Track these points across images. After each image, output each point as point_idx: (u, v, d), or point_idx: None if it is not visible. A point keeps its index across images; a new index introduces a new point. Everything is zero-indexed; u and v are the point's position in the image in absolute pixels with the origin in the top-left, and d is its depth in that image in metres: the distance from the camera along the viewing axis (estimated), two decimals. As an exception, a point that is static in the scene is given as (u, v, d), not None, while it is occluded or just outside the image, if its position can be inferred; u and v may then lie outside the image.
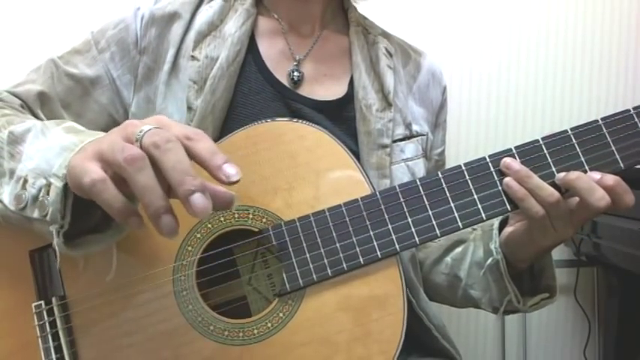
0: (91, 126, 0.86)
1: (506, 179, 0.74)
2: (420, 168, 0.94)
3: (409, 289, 0.90)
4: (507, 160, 0.74)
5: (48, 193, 0.61)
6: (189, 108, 0.85)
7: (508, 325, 1.55)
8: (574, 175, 0.72)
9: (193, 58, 0.86)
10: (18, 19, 1.37)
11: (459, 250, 0.93)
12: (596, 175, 0.72)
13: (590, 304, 1.55)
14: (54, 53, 0.89)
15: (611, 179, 0.71)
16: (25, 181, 0.64)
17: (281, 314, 0.73)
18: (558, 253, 1.50)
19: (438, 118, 1.03)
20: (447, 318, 1.46)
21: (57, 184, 0.60)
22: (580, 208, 0.73)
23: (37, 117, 0.83)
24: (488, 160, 0.75)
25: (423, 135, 0.97)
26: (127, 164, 0.52)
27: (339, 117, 0.91)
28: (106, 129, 0.87)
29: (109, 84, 0.88)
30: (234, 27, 0.88)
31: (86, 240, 0.63)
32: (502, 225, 0.85)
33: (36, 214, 0.62)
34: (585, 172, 0.73)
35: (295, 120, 0.79)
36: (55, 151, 0.63)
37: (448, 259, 0.95)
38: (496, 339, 1.55)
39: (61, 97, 0.86)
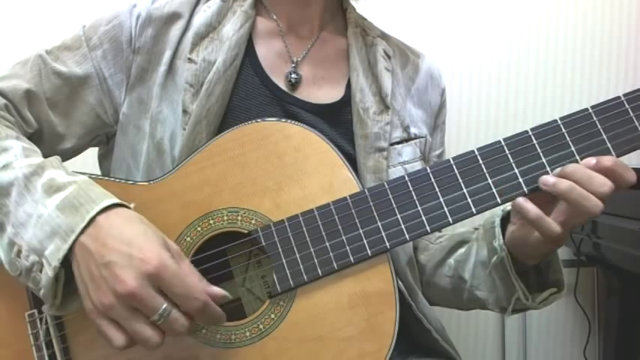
0: (79, 127, 0.86)
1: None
2: None
3: (408, 293, 0.89)
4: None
5: (40, 271, 0.65)
6: (185, 111, 0.84)
7: (508, 325, 1.53)
8: (570, 168, 0.71)
9: (190, 60, 0.86)
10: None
11: (462, 250, 0.92)
12: (592, 160, 0.71)
13: (590, 304, 1.54)
14: (43, 47, 0.87)
15: (608, 160, 0.70)
16: (19, 251, 0.67)
17: (272, 315, 0.73)
18: (558, 253, 1.49)
19: (436, 120, 1.03)
20: (447, 318, 1.45)
21: (49, 272, 0.64)
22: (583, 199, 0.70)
23: (23, 117, 0.82)
24: (476, 153, 0.75)
25: (422, 137, 0.97)
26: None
27: (337, 120, 0.90)
28: (92, 130, 0.88)
29: (98, 83, 0.86)
30: (232, 30, 0.88)
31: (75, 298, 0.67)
32: (504, 223, 0.82)
33: (30, 285, 0.67)
34: (576, 162, 0.72)
35: (281, 120, 0.79)
36: (46, 231, 0.66)
37: (451, 260, 0.93)
38: (496, 339, 1.54)
39: (48, 96, 0.84)
